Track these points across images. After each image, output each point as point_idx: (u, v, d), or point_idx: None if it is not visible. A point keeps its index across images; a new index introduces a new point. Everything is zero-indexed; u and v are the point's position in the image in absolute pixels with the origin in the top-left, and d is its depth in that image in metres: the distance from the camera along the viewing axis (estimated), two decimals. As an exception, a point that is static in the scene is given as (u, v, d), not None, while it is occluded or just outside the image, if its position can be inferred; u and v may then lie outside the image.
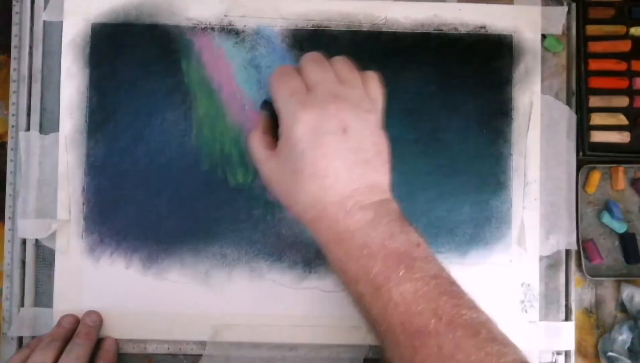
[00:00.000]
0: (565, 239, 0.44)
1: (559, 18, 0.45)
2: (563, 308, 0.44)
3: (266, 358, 0.43)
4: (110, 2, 0.44)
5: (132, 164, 0.43)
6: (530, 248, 0.43)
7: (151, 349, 0.43)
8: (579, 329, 0.45)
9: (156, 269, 0.43)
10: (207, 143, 0.44)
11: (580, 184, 0.45)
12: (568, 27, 0.45)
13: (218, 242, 0.43)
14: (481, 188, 0.44)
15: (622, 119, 0.44)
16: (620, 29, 0.45)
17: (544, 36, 0.45)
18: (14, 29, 0.44)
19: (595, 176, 0.45)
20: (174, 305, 0.43)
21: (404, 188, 0.43)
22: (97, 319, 0.42)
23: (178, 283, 0.43)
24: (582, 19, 0.45)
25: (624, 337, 0.44)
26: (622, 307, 0.45)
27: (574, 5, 0.45)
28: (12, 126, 0.44)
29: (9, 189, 0.44)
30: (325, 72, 0.36)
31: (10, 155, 0.44)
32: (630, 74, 0.45)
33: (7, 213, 0.44)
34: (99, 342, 0.42)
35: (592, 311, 0.45)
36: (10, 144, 0.44)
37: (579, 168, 0.45)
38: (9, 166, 0.44)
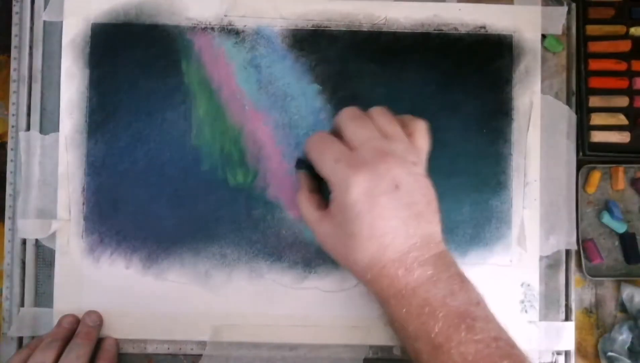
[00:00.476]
0: (565, 239, 0.44)
1: (559, 18, 0.45)
2: (563, 308, 0.44)
3: (266, 358, 0.43)
4: (110, 2, 0.44)
5: (132, 164, 0.43)
6: (530, 248, 0.43)
7: (151, 349, 0.43)
8: (579, 329, 0.45)
9: (156, 269, 0.43)
10: (207, 143, 0.44)
11: (580, 184, 0.45)
12: (568, 27, 0.45)
13: (218, 242, 0.43)
14: (481, 188, 0.44)
15: (622, 119, 0.44)
16: (620, 29, 0.45)
17: (544, 36, 0.45)
18: (14, 29, 0.44)
19: (595, 176, 0.45)
20: (174, 305, 0.43)
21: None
22: (97, 319, 0.42)
23: (178, 283, 0.43)
24: (582, 19, 0.45)
25: (624, 337, 0.44)
26: (622, 307, 0.45)
27: (574, 5, 0.45)
28: (12, 126, 0.44)
29: (9, 189, 0.44)
30: (368, 129, 0.35)
31: (10, 155, 0.44)
32: (630, 74, 0.45)
33: (7, 213, 0.44)
34: (99, 342, 0.42)
35: (592, 311, 0.45)
36: (10, 144, 0.44)
37: (579, 168, 0.45)
38: (9, 166, 0.44)
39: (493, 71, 0.44)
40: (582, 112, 0.44)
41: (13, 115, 0.44)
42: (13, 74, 0.44)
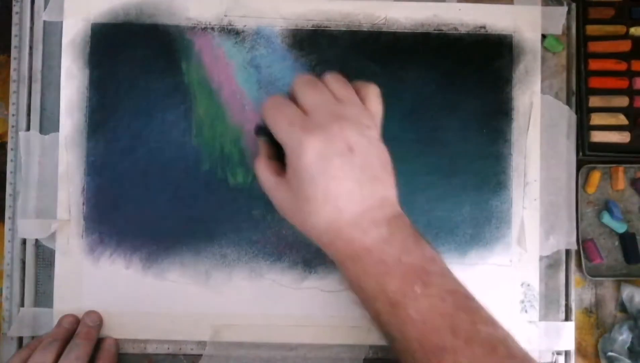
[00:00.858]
0: (565, 239, 0.44)
1: (559, 18, 0.45)
2: (563, 308, 0.44)
3: (266, 358, 0.43)
4: (110, 2, 0.44)
5: (132, 164, 0.43)
6: (530, 248, 0.43)
7: (151, 349, 0.43)
8: (579, 329, 0.45)
9: (156, 269, 0.43)
10: (207, 143, 0.44)
11: (580, 184, 0.45)
12: (568, 27, 0.45)
13: (218, 242, 0.43)
14: (481, 188, 0.44)
15: (622, 119, 0.44)
16: (620, 29, 0.45)
17: (544, 36, 0.45)
18: (14, 29, 0.44)
19: (595, 176, 0.45)
20: (174, 305, 0.43)
21: (404, 188, 0.43)
22: (97, 319, 0.42)
23: (178, 283, 0.43)
24: (582, 19, 0.45)
25: (624, 337, 0.44)
26: (622, 307, 0.45)
27: (574, 5, 0.45)
28: (12, 126, 0.44)
29: (9, 189, 0.44)
30: (321, 93, 0.35)
31: (10, 155, 0.44)
32: (630, 74, 0.45)
33: (7, 213, 0.44)
34: (99, 342, 0.42)
35: (592, 311, 0.45)
36: (10, 144, 0.44)
37: (579, 168, 0.45)
38: (9, 166, 0.44)
39: (493, 71, 0.44)
40: (582, 112, 0.44)
41: (13, 115, 0.44)
42: (13, 74, 0.44)
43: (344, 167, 0.33)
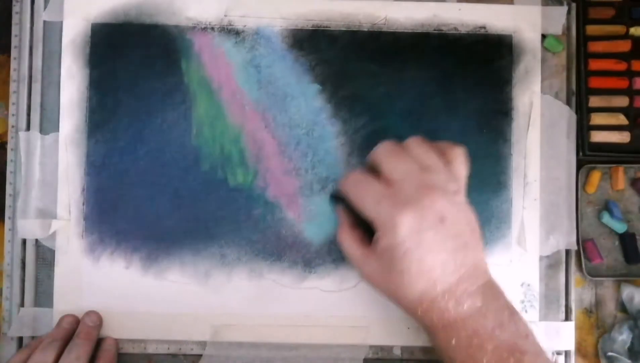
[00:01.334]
0: (565, 239, 0.44)
1: (559, 18, 0.45)
2: (563, 308, 0.44)
3: (266, 358, 0.43)
4: (110, 2, 0.44)
5: (132, 164, 0.43)
6: (530, 248, 0.43)
7: (151, 349, 0.43)
8: (579, 329, 0.45)
9: (156, 269, 0.43)
10: (207, 143, 0.44)
11: (580, 184, 0.45)
12: (568, 27, 0.45)
13: (218, 242, 0.43)
14: (481, 188, 0.44)
15: (622, 119, 0.44)
16: (620, 29, 0.45)
17: (544, 36, 0.45)
18: (14, 29, 0.44)
19: (595, 176, 0.45)
20: (173, 305, 0.43)
21: (404, 188, 0.43)
22: (97, 319, 0.42)
23: (178, 283, 0.43)
24: (582, 19, 0.45)
25: (624, 337, 0.44)
26: (622, 307, 0.45)
27: (574, 5, 0.45)
28: (12, 126, 0.44)
29: (9, 189, 0.44)
30: (406, 162, 0.35)
31: (10, 155, 0.44)
32: (630, 74, 0.45)
33: (7, 213, 0.44)
34: (99, 342, 0.42)
35: (592, 311, 0.45)
36: (10, 144, 0.44)
37: (579, 168, 0.45)
38: (9, 166, 0.44)
39: (493, 71, 0.44)
40: (582, 112, 0.44)
41: (13, 115, 0.44)
42: (13, 74, 0.44)
43: (436, 239, 0.33)
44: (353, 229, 0.37)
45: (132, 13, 0.44)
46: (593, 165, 0.45)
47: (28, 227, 0.43)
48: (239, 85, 0.44)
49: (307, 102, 0.44)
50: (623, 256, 0.45)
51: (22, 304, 0.43)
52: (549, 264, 0.44)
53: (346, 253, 0.37)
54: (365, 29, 0.44)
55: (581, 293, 0.45)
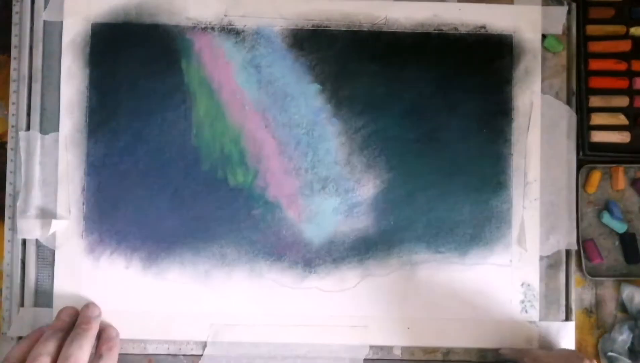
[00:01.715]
0: (565, 239, 0.44)
1: (559, 18, 0.45)
2: (563, 308, 0.44)
3: (266, 358, 0.43)
4: (110, 2, 0.44)
5: (132, 164, 0.43)
6: (530, 248, 0.43)
7: (151, 349, 0.43)
8: (579, 329, 0.45)
9: (156, 269, 0.43)
10: (207, 143, 0.44)
11: (580, 184, 0.45)
12: (568, 27, 0.45)
13: (218, 242, 0.43)
14: (481, 188, 0.44)
15: (622, 119, 0.44)
16: (620, 29, 0.45)
17: (544, 36, 0.45)
18: (14, 29, 0.44)
19: (595, 176, 0.45)
20: (173, 305, 0.43)
21: (404, 188, 0.43)
22: (96, 310, 0.42)
23: (178, 283, 0.43)
24: (582, 19, 0.45)
25: (624, 337, 0.44)
26: (622, 307, 0.45)
27: (574, 5, 0.45)
28: (12, 126, 0.44)
29: (9, 189, 0.44)
30: None
31: (10, 155, 0.44)
32: (630, 74, 0.45)
33: (7, 213, 0.44)
34: (99, 333, 0.41)
35: (592, 311, 0.45)
36: (10, 144, 0.44)
37: (579, 168, 0.45)
38: (9, 166, 0.44)
39: (493, 71, 0.44)
40: (582, 112, 0.44)
41: (13, 115, 0.44)
42: (13, 74, 0.44)
43: None
44: None
45: (132, 13, 0.44)
46: (593, 165, 0.45)
47: (28, 227, 0.43)
48: (238, 85, 0.44)
49: (307, 102, 0.44)
50: (623, 256, 0.45)
51: (22, 304, 0.43)
52: (549, 264, 0.44)
53: None
54: (365, 29, 0.44)
55: (581, 293, 0.45)
